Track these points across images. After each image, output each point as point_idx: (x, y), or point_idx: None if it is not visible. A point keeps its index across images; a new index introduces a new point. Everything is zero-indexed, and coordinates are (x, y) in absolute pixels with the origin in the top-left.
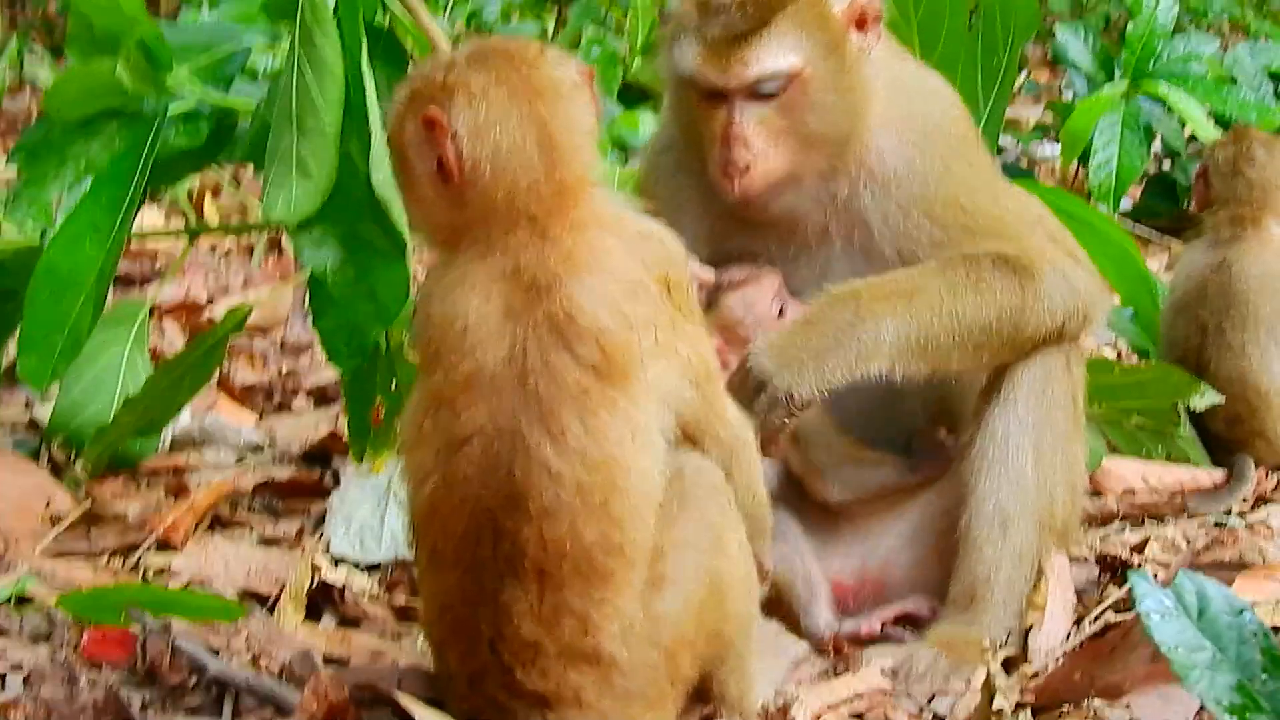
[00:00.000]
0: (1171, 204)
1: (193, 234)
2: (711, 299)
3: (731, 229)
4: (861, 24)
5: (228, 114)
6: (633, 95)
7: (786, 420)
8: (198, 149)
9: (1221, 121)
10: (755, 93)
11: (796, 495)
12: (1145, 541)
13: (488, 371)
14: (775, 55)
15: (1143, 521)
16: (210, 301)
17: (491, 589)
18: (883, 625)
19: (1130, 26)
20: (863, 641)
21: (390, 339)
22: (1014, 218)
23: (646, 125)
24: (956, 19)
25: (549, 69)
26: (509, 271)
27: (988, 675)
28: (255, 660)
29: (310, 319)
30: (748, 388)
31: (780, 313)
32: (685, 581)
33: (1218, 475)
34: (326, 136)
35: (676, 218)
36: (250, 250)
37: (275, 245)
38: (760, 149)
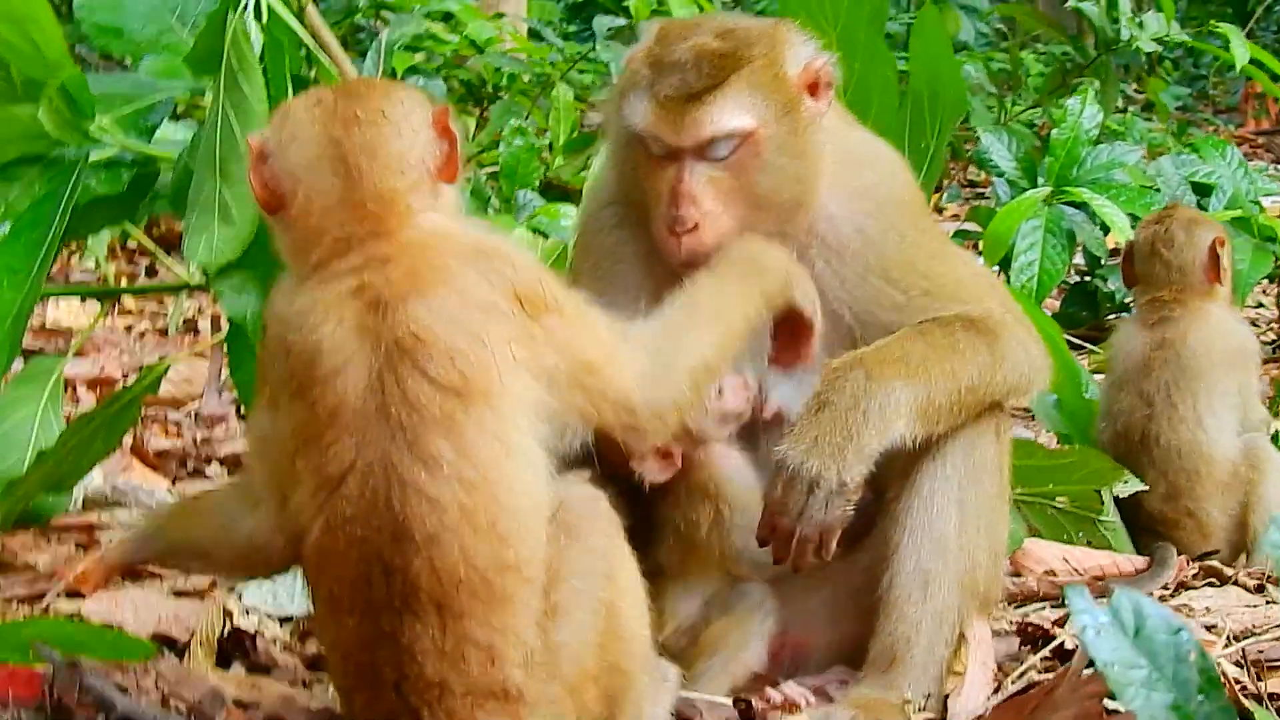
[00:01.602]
0: (1092, 312)
1: (106, 295)
2: None
3: (674, 288)
4: (814, 90)
5: (149, 163)
6: (554, 192)
7: (848, 509)
8: (118, 196)
9: None
10: (707, 152)
11: None
12: (1066, 617)
13: (350, 404)
14: (729, 115)
15: (1063, 602)
16: (125, 377)
17: (391, 630)
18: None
19: (1055, 133)
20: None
21: None
22: (970, 281)
23: (567, 218)
24: (885, 98)
25: (370, 97)
26: (352, 292)
27: None
28: (164, 700)
29: (229, 375)
30: (797, 492)
31: (720, 391)
32: (579, 612)
33: (1139, 561)
34: (249, 183)
35: (616, 274)
36: (164, 332)
37: (191, 326)
38: (709, 208)
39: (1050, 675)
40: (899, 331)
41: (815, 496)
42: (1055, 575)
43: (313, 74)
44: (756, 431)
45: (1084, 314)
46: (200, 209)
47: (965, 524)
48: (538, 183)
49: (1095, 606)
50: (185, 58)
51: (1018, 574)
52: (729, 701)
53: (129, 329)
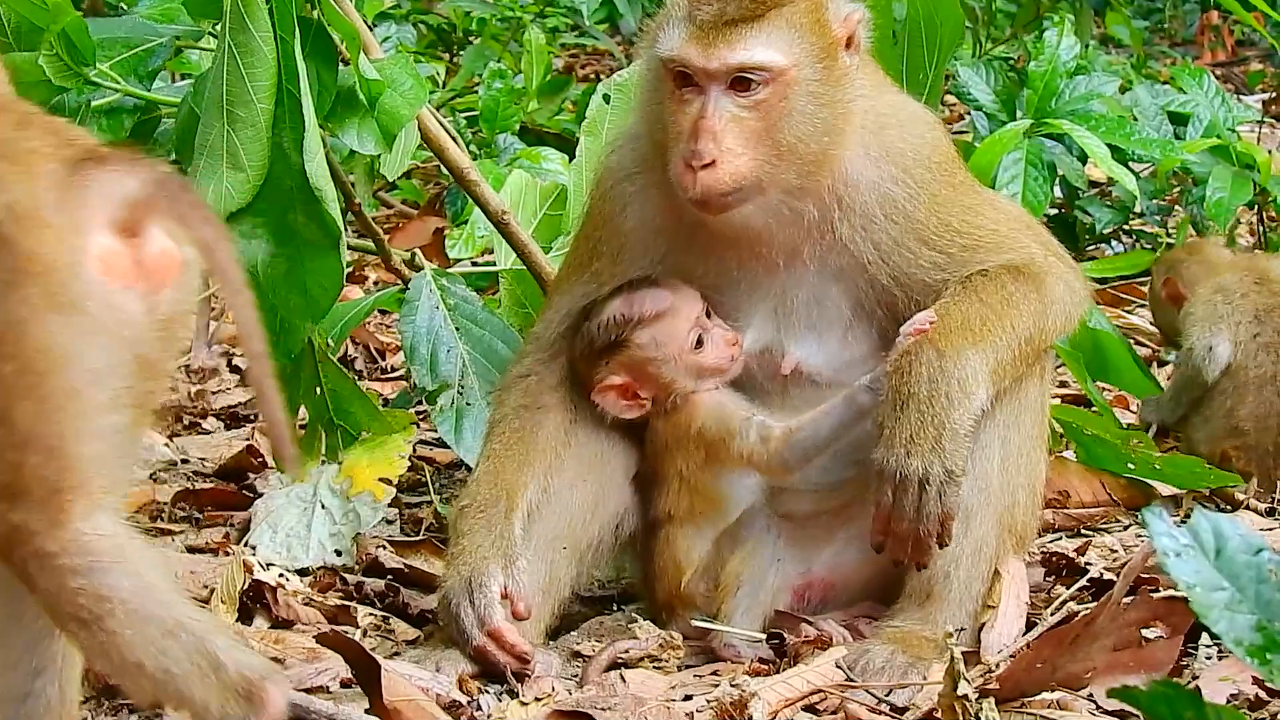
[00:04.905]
0: (1071, 244)
1: None
2: (621, 333)
3: (695, 249)
4: (849, 44)
5: (150, 109)
6: (530, 136)
7: (959, 492)
8: (120, 144)
9: (1123, 158)
10: (734, 86)
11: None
12: (1086, 545)
13: None
14: (763, 47)
15: (1078, 532)
16: None
17: None
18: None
19: (1032, 65)
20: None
21: (315, 341)
22: (1007, 228)
23: (549, 161)
24: (880, 31)
25: None
26: None
27: (951, 661)
28: None
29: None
30: (910, 495)
31: (699, 344)
32: None
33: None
34: (258, 127)
35: (639, 241)
36: None
37: None
38: (729, 146)
39: (1084, 607)
40: (948, 293)
41: (928, 494)
42: (1065, 506)
43: (317, 15)
44: (775, 387)
45: (1064, 245)
46: (208, 155)
47: (1007, 462)
48: (517, 126)
49: (1175, 528)
50: (184, 1)
51: None
52: (763, 637)
53: None
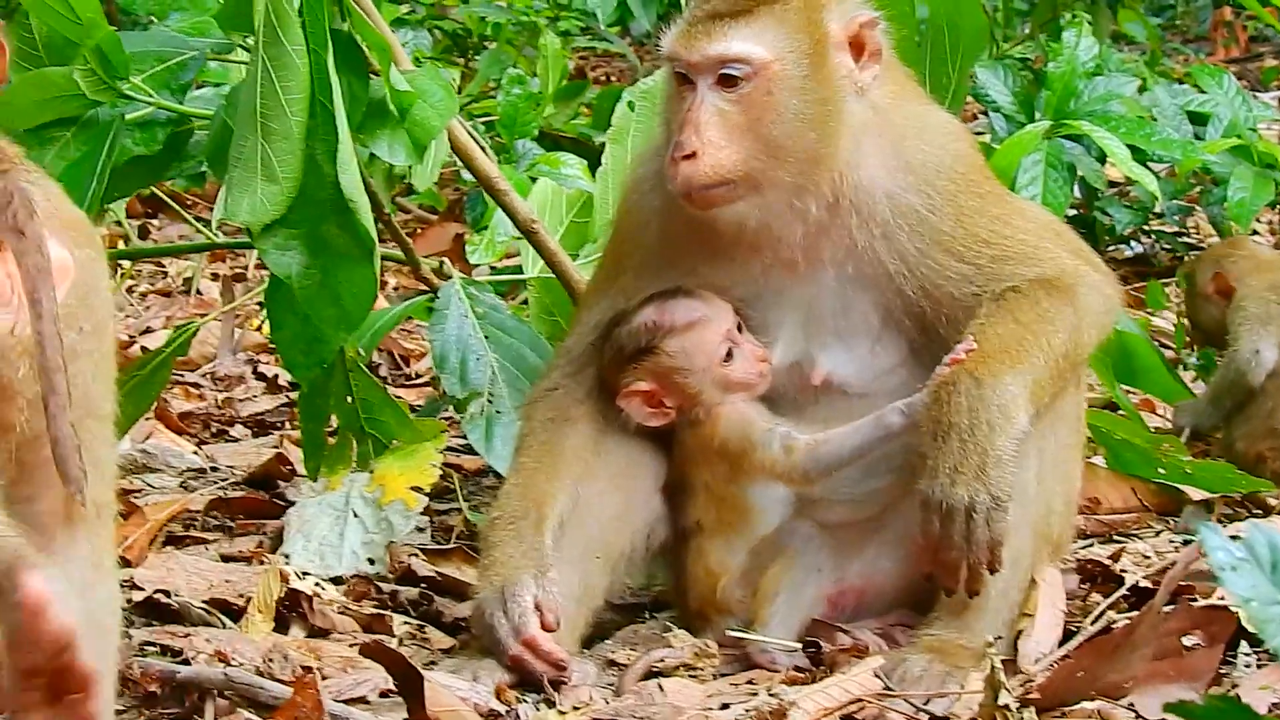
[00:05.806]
0: (1090, 244)
1: (131, 256)
2: (652, 340)
3: (720, 261)
4: (859, 52)
5: (183, 121)
6: (547, 141)
7: (1007, 517)
8: (154, 156)
9: (1143, 159)
10: (721, 81)
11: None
12: (1120, 551)
13: None
14: (745, 40)
15: (1111, 539)
16: (132, 341)
17: None
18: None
19: (1051, 66)
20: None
21: (345, 350)
22: (1036, 238)
23: (569, 166)
24: (903, 32)
25: None
26: None
27: (992, 671)
28: (223, 662)
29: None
30: (958, 524)
31: (728, 356)
32: None
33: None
34: (292, 139)
35: (665, 255)
36: (168, 294)
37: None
38: (711, 138)
39: (1121, 615)
40: (982, 313)
41: (975, 522)
42: (1096, 512)
43: (346, 26)
44: (805, 399)
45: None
46: (242, 167)
47: (1044, 471)
48: (535, 131)
49: (1229, 542)
50: (216, 14)
51: None
52: (799, 646)
53: (130, 290)
